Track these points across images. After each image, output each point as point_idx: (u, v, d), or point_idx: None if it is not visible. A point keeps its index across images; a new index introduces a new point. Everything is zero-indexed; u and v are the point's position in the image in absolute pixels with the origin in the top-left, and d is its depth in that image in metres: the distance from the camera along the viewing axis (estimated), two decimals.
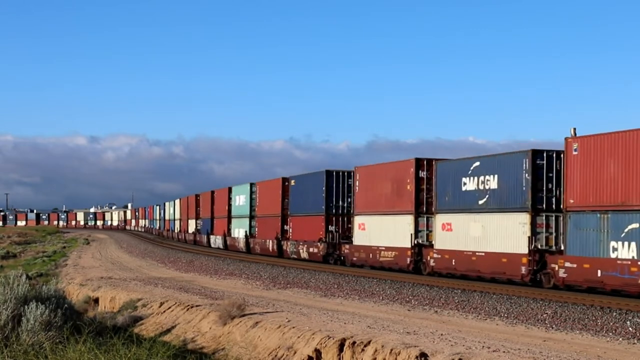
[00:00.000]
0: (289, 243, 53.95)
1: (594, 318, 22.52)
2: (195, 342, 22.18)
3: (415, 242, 38.22)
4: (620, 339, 18.73)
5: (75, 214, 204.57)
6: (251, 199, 63.89)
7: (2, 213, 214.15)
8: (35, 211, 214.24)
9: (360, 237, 43.75)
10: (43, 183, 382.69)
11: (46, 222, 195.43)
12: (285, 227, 55.41)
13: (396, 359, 16.16)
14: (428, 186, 38.17)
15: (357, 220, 44.18)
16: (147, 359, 16.29)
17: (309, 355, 18.12)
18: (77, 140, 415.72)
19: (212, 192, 78.80)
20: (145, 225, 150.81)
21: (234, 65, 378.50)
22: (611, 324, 21.34)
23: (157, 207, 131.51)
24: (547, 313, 23.62)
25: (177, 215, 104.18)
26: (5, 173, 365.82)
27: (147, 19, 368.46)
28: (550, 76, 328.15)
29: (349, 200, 46.94)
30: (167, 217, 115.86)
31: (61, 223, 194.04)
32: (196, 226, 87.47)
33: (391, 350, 16.46)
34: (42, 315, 18.54)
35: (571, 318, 22.54)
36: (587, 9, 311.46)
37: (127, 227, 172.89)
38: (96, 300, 32.33)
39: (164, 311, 26.38)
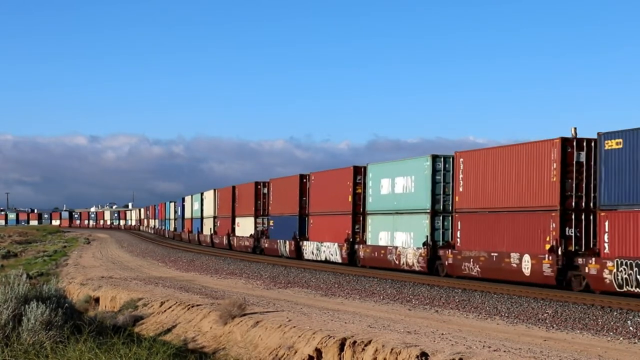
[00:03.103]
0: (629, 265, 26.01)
1: (594, 318, 22.51)
2: (196, 341, 22.19)
3: None
4: (621, 339, 18.72)
5: (103, 212, 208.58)
6: (434, 181, 37.81)
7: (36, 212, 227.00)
8: (68, 210, 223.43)
9: None
10: (43, 183, 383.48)
11: (78, 222, 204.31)
12: (569, 232, 29.46)
13: (397, 359, 16.16)
14: None
15: None
16: (147, 359, 16.28)
17: (309, 355, 18.12)
18: (77, 140, 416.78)
19: (303, 177, 52.81)
20: (155, 225, 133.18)
21: (234, 65, 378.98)
22: (612, 323, 21.33)
23: (172, 204, 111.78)
24: (547, 312, 23.61)
25: (209, 213, 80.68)
26: (5, 173, 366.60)
27: (147, 19, 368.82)
28: (550, 76, 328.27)
29: None
30: (187, 216, 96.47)
31: (91, 222, 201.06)
32: (256, 227, 64.09)
33: (392, 349, 16.46)
34: (42, 315, 18.53)
35: (572, 318, 22.53)
36: (587, 9, 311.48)
37: (141, 227, 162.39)
38: (97, 300, 32.37)
39: (165, 310, 26.39)
